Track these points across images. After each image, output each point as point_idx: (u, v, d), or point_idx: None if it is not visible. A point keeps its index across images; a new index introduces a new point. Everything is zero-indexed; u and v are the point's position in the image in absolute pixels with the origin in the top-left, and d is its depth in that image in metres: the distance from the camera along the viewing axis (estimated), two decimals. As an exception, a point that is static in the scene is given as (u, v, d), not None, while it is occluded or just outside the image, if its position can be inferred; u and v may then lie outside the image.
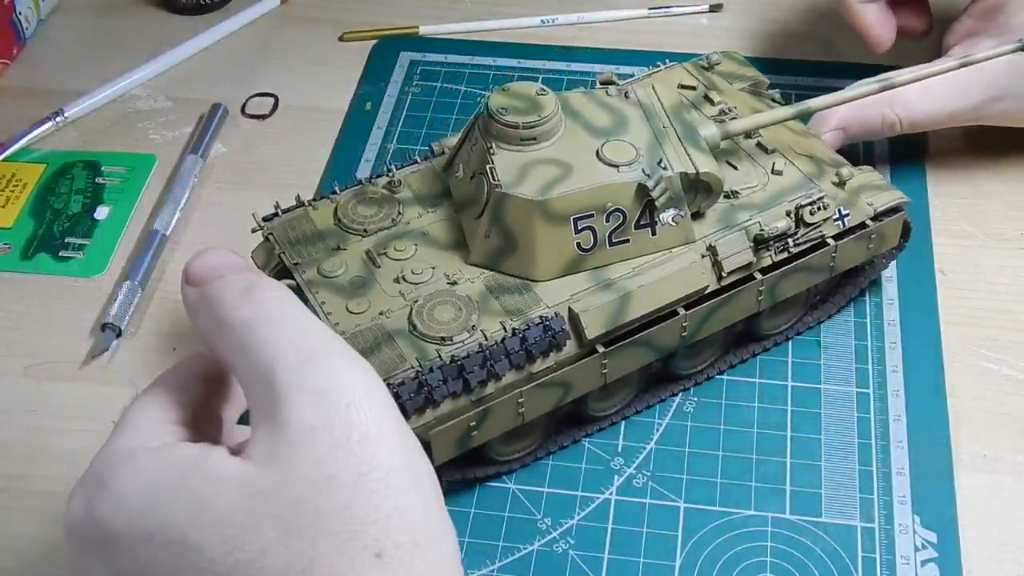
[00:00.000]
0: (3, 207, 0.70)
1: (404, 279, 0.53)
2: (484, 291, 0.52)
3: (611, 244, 0.52)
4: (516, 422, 0.51)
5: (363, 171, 0.70)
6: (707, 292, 0.53)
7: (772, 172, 0.57)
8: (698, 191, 0.53)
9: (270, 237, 0.56)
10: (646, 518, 0.53)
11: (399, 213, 0.56)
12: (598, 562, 0.52)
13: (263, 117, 0.76)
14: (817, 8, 0.81)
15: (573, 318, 0.51)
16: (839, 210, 0.56)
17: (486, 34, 0.81)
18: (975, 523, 0.53)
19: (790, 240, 0.55)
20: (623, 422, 0.57)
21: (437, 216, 0.56)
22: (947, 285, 0.63)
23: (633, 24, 0.81)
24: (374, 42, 0.81)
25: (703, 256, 0.53)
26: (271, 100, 0.77)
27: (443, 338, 0.50)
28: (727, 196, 0.55)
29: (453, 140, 0.59)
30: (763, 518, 0.53)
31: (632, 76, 0.65)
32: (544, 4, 0.82)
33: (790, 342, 0.60)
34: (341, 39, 0.81)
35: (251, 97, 0.77)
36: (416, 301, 0.51)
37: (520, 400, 0.51)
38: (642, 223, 0.52)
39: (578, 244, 0.52)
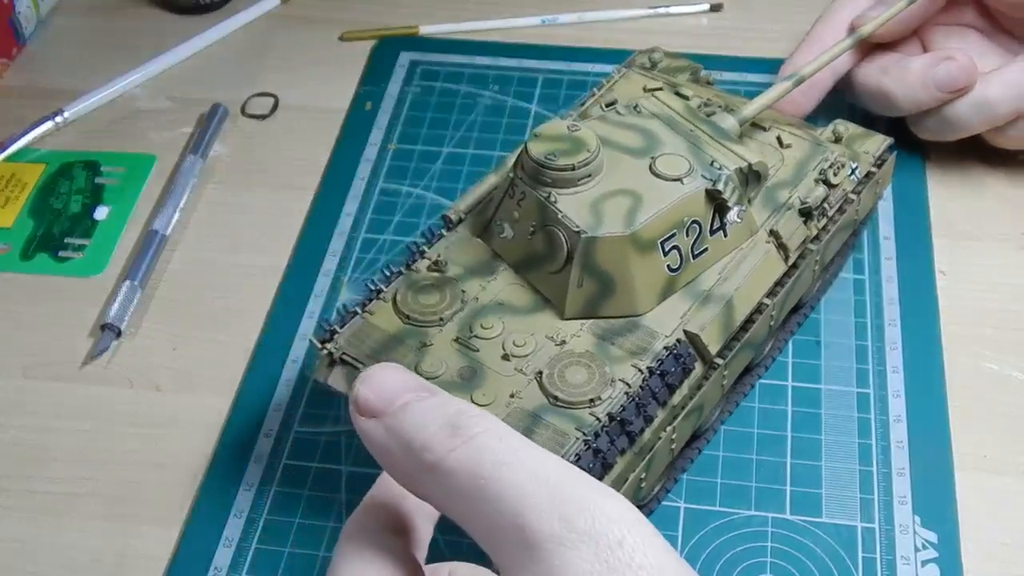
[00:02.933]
0: (3, 207, 0.70)
1: (512, 355, 0.50)
2: (596, 341, 0.50)
3: (694, 257, 0.52)
4: (668, 459, 0.51)
5: (363, 171, 0.70)
6: (781, 276, 0.54)
7: (782, 147, 0.58)
8: (749, 182, 0.53)
9: (345, 358, 0.51)
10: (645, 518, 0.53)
11: (462, 291, 0.53)
12: (598, 562, 0.52)
13: (263, 117, 0.76)
14: (816, 8, 0.81)
15: (692, 339, 0.50)
16: (850, 165, 0.57)
17: (486, 34, 0.81)
18: (975, 523, 0.53)
19: (826, 205, 0.55)
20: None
21: (501, 282, 0.53)
22: (947, 285, 0.63)
23: (633, 24, 0.81)
24: (374, 42, 0.81)
25: (767, 242, 0.54)
26: (271, 100, 0.77)
27: (591, 400, 0.47)
28: None
29: (463, 204, 0.56)
30: (763, 518, 0.53)
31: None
32: (544, 4, 0.82)
33: (790, 342, 0.60)
34: (341, 39, 0.81)
35: (251, 97, 0.77)
36: (539, 372, 0.49)
37: (673, 436, 0.50)
38: (715, 228, 0.52)
39: (668, 266, 0.51)
